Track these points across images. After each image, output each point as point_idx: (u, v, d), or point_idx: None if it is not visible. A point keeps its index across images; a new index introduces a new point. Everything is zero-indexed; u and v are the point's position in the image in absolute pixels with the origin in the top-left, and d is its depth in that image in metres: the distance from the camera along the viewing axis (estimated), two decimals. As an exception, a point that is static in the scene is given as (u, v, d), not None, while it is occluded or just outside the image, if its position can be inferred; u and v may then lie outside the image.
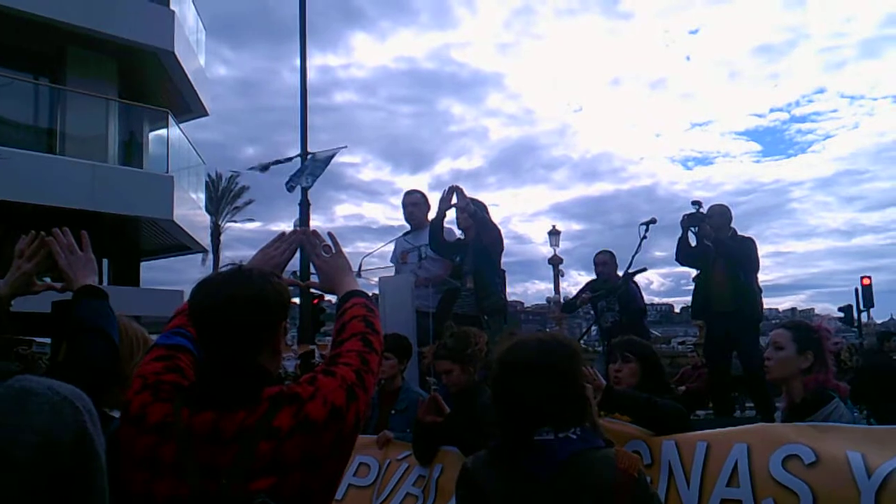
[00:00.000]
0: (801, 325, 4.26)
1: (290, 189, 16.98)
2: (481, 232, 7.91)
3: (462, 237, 8.23)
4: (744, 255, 8.53)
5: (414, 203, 8.49)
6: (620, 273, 9.04)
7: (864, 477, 3.23)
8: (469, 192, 8.02)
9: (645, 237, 7.87)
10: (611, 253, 9.56)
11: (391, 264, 8.69)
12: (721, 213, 8.83)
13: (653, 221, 7.96)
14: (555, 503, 2.31)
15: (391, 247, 8.91)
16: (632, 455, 2.52)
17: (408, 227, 8.66)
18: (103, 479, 1.26)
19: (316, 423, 2.12)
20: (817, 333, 4.10)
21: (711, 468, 3.58)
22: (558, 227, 34.17)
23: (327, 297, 22.54)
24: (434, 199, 8.33)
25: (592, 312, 9.35)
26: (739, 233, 8.84)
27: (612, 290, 8.93)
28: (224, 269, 2.38)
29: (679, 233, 8.77)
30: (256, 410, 2.11)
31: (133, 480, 2.06)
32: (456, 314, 7.77)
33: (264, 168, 18.26)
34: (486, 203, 8.26)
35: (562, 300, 37.56)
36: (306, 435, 2.09)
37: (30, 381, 1.24)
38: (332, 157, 17.45)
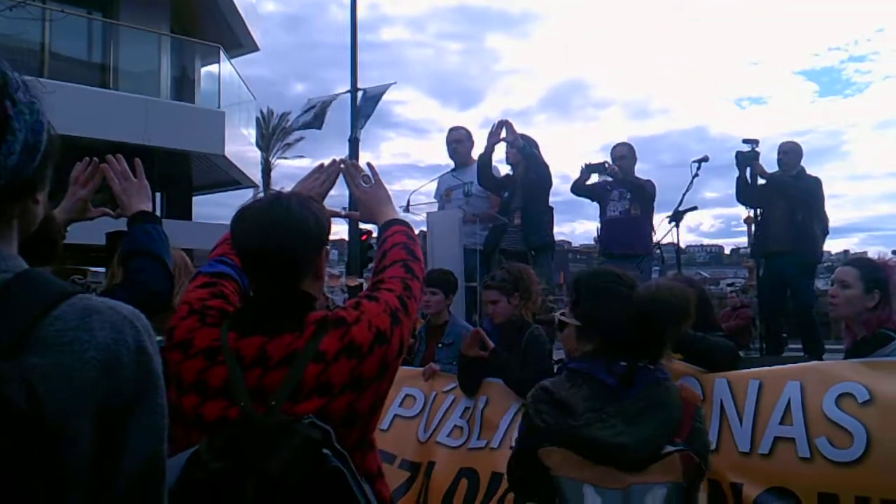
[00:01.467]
0: (868, 263, 4.18)
1: (357, 139, 17.11)
2: (530, 168, 7.82)
3: (511, 173, 8.14)
4: (805, 194, 8.33)
5: (457, 140, 8.37)
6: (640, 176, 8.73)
7: None
8: (519, 130, 7.93)
9: (697, 175, 7.73)
10: (629, 146, 8.81)
11: (436, 201, 8.65)
12: (792, 151, 8.63)
13: (705, 159, 7.81)
14: (636, 417, 2.55)
15: (436, 184, 8.88)
16: (691, 388, 2.90)
17: (453, 164, 8.58)
18: (163, 398, 1.28)
19: (361, 346, 2.14)
20: (884, 272, 4.01)
21: (764, 406, 3.57)
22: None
23: (375, 233, 22.77)
24: (480, 137, 8.26)
25: (599, 209, 8.73)
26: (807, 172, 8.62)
27: (628, 182, 8.46)
28: (263, 196, 2.38)
29: (734, 173, 8.60)
30: (303, 334, 2.13)
31: (181, 404, 2.10)
32: (503, 250, 7.75)
33: (316, 123, 18.10)
34: (536, 141, 8.16)
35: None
36: (352, 358, 2.11)
37: (91, 300, 1.25)
38: (381, 94, 17.41)
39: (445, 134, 8.54)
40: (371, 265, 21.60)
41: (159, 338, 1.78)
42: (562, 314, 2.90)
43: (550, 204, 8.11)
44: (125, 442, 1.20)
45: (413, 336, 5.88)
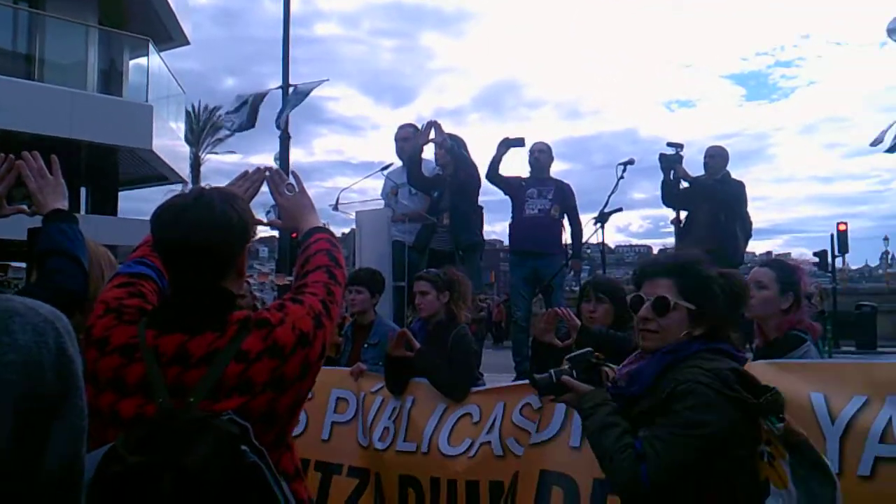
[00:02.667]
0: (783, 266, 4.30)
1: (280, 127, 16.94)
2: (459, 168, 7.86)
3: (440, 173, 8.17)
4: (728, 198, 8.53)
5: (404, 138, 8.36)
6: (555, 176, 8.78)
7: (827, 422, 3.29)
8: (451, 130, 7.96)
9: (622, 177, 7.83)
10: (547, 144, 8.78)
11: (369, 199, 8.64)
12: (718, 156, 8.83)
13: (630, 162, 7.92)
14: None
15: (369, 182, 8.89)
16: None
17: (397, 162, 8.57)
18: (83, 399, 1.29)
19: (284, 347, 2.15)
20: (797, 275, 4.13)
21: None
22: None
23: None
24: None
25: (512, 206, 8.67)
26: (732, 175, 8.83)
27: (552, 182, 8.51)
28: (186, 192, 2.35)
29: (661, 175, 8.77)
30: (225, 334, 2.13)
31: (98, 402, 2.07)
32: (433, 250, 7.77)
33: (250, 123, 17.89)
34: (467, 140, 8.20)
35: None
36: (274, 358, 2.12)
37: (12, 301, 1.25)
38: (311, 89, 17.30)
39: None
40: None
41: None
42: (660, 296, 2.72)
43: (480, 203, 8.17)
44: (46, 443, 1.21)
45: (339, 335, 5.88)
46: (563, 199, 8.45)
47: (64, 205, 2.97)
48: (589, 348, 2.92)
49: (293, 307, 2.27)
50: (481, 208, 8.20)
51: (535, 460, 4.07)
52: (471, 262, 7.52)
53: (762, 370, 3.56)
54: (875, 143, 22.24)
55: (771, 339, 4.08)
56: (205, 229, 2.18)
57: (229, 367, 2.07)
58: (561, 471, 3.92)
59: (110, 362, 2.12)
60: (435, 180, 8.07)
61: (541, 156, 8.59)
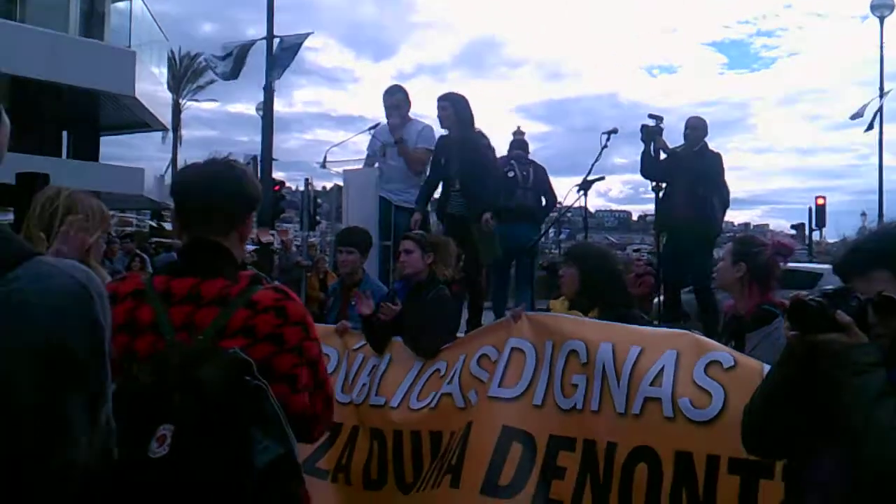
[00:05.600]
0: (743, 239, 4.48)
1: (272, 88, 16.94)
2: (463, 128, 7.71)
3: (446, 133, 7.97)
4: (706, 169, 8.69)
5: (396, 105, 8.13)
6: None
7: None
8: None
9: (606, 146, 7.87)
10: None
11: (354, 158, 8.62)
12: (698, 127, 8.98)
13: (614, 131, 7.95)
14: None
15: (356, 139, 8.84)
16: None
17: (384, 121, 8.50)
18: (107, 363, 1.40)
19: (290, 315, 2.31)
20: (756, 247, 4.28)
21: (639, 369, 3.84)
22: (522, 129, 33.85)
23: (288, 183, 22.44)
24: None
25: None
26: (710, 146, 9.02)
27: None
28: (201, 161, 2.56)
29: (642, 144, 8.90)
30: (238, 283, 2.31)
31: (116, 343, 2.22)
32: (450, 214, 7.73)
33: (234, 74, 17.71)
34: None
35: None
36: (279, 318, 2.28)
37: (46, 263, 1.33)
38: (299, 44, 17.19)
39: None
40: (283, 214, 21.49)
41: None
42: (881, 294, 2.08)
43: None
44: (67, 398, 1.31)
45: (327, 293, 6.00)
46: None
47: None
48: (848, 285, 2.20)
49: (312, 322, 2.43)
50: (500, 169, 8.23)
51: (496, 415, 4.22)
52: (481, 229, 7.49)
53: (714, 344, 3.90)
54: (855, 116, 22.49)
55: (741, 313, 4.23)
56: (215, 194, 2.39)
57: (238, 311, 2.24)
58: (522, 427, 4.10)
59: (123, 307, 2.29)
60: (440, 149, 7.98)
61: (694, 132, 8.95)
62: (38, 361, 1.26)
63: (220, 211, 2.40)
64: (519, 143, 9.07)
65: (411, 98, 8.27)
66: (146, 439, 1.93)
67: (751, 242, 4.38)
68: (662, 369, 3.79)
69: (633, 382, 3.81)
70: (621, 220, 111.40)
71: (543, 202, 8.79)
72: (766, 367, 3.49)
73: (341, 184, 8.85)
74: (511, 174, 8.48)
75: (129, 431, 1.47)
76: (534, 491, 3.91)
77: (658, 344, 3.94)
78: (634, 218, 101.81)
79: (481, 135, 7.81)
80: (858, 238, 2.33)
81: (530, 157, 9.07)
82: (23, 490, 1.28)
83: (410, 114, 8.22)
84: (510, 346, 4.37)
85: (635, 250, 31.65)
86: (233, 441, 1.99)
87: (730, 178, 8.99)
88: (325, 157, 8.54)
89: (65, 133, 21.31)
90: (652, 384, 3.76)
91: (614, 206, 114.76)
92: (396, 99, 8.11)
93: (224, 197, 2.40)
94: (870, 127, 22.21)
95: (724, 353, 3.76)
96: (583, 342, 4.08)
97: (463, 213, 7.47)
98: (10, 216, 4.70)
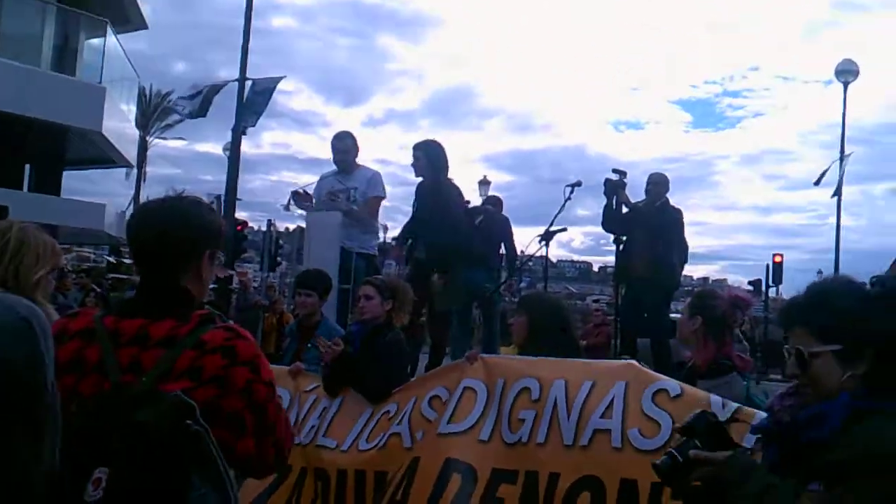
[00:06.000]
0: (700, 293, 4.59)
1: (243, 132, 17.01)
2: (436, 172, 7.85)
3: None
4: (665, 224, 8.83)
5: (345, 150, 8.33)
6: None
7: (719, 408, 3.55)
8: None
9: (569, 199, 8.01)
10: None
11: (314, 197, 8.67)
12: (660, 183, 9.17)
13: (578, 184, 8.10)
14: None
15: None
16: None
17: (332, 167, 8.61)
18: (52, 397, 1.39)
19: (239, 354, 2.26)
20: (712, 301, 4.37)
21: (591, 402, 3.95)
22: (489, 178, 34.15)
23: (251, 223, 22.39)
24: (365, 137, 8.35)
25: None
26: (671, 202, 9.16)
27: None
28: (158, 197, 2.51)
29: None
30: (188, 323, 2.27)
31: (61, 384, 2.19)
32: (417, 259, 7.81)
33: (202, 112, 17.75)
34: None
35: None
36: (226, 358, 2.22)
37: None
38: (272, 88, 17.25)
39: (329, 129, 8.62)
40: (244, 255, 21.43)
41: None
42: (795, 348, 2.24)
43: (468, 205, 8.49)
44: (11, 439, 1.33)
45: (283, 334, 6.00)
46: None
47: None
48: (700, 409, 2.43)
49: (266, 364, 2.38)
50: (469, 209, 8.41)
51: (442, 449, 4.27)
52: (452, 275, 7.60)
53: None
54: (818, 181, 22.94)
55: (698, 363, 4.31)
56: (169, 230, 2.35)
57: (184, 352, 2.19)
58: (464, 460, 4.16)
59: (70, 346, 2.25)
60: (416, 194, 8.11)
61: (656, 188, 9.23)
62: None
63: (174, 247, 2.36)
64: (494, 200, 9.19)
65: (359, 145, 8.45)
66: (83, 482, 1.89)
67: (707, 296, 4.49)
68: (612, 401, 3.90)
69: (583, 416, 3.92)
70: (582, 271, 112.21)
71: (503, 251, 8.92)
72: (714, 397, 3.63)
73: (304, 225, 8.86)
74: (478, 221, 8.58)
75: (66, 473, 1.43)
76: None
77: (608, 376, 4.06)
78: (595, 269, 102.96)
79: (451, 184, 7.94)
80: (792, 297, 2.44)
81: (503, 212, 9.28)
82: None
83: (358, 160, 8.38)
84: (463, 385, 4.44)
85: (595, 300, 31.77)
86: (169, 487, 1.96)
87: (690, 232, 9.20)
88: (289, 200, 8.54)
89: (27, 166, 21.16)
90: (602, 416, 3.88)
91: (576, 257, 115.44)
92: (345, 145, 8.25)
93: (177, 233, 2.36)
94: (836, 193, 22.61)
95: (670, 382, 3.89)
96: (536, 380, 4.19)
97: (422, 259, 7.56)
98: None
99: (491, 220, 8.83)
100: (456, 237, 7.74)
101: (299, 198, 8.21)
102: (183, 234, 2.37)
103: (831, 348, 2.17)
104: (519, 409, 4.15)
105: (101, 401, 2.07)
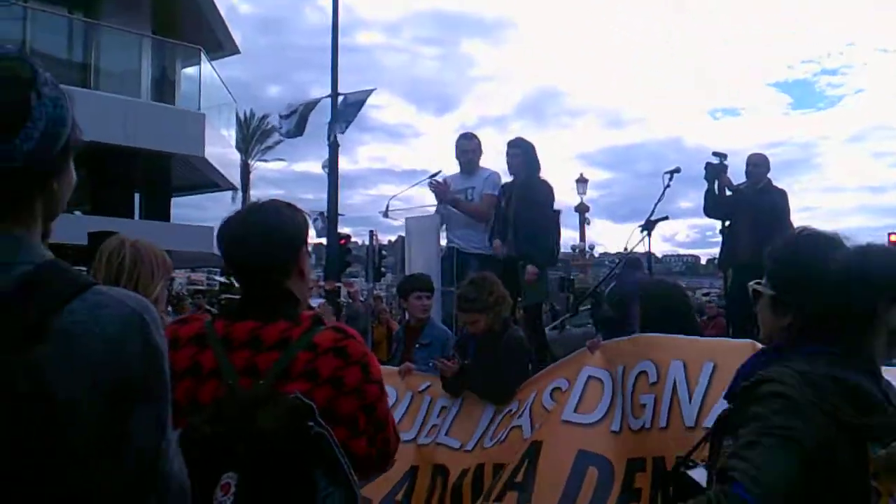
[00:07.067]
0: None
1: (335, 139, 17.25)
2: (530, 173, 7.83)
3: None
4: (769, 207, 8.56)
5: (471, 150, 8.25)
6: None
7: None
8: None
9: (668, 186, 7.81)
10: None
11: (415, 206, 8.74)
12: (761, 164, 8.85)
13: (677, 170, 7.89)
14: None
15: (415, 189, 9.00)
16: None
17: (433, 171, 8.65)
18: (168, 390, 1.42)
19: (351, 355, 2.31)
20: None
21: (716, 384, 3.83)
22: (585, 175, 33.83)
23: (354, 237, 22.75)
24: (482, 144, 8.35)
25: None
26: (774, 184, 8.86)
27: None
28: (241, 209, 2.61)
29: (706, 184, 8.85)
30: (299, 325, 2.32)
31: (177, 392, 2.26)
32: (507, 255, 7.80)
33: (299, 131, 18.10)
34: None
35: (587, 248, 37.17)
36: (339, 359, 2.28)
37: (102, 293, 1.34)
38: (363, 100, 17.52)
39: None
40: (349, 268, 21.74)
41: None
42: (757, 282, 2.32)
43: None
44: (129, 430, 1.31)
45: (391, 339, 6.08)
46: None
47: None
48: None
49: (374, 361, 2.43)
50: (556, 213, 8.23)
51: (569, 437, 4.28)
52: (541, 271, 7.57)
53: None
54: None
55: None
56: (267, 237, 2.41)
57: (299, 354, 2.24)
58: (600, 453, 4.16)
59: (185, 352, 2.31)
60: (502, 193, 8.00)
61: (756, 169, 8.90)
62: (99, 393, 1.28)
63: (277, 252, 2.42)
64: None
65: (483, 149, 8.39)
66: (210, 488, 1.95)
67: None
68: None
69: (707, 399, 3.84)
70: (689, 265, 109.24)
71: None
72: None
73: (404, 234, 8.97)
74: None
75: (192, 479, 1.48)
76: None
77: (729, 356, 3.92)
78: (703, 262, 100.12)
79: (545, 182, 7.89)
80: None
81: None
82: None
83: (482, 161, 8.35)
84: (586, 374, 4.46)
85: (704, 294, 31.04)
86: (297, 488, 2.01)
87: (800, 218, 8.89)
88: (388, 207, 8.67)
89: (136, 195, 21.91)
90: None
91: (682, 251, 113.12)
92: (472, 144, 8.20)
93: (274, 237, 2.42)
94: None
95: None
96: (652, 362, 4.15)
97: (514, 255, 7.53)
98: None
99: None
100: (546, 234, 7.75)
101: (436, 187, 8.19)
102: (280, 238, 2.43)
103: (768, 292, 2.23)
104: (639, 394, 4.14)
105: (221, 405, 2.12)
